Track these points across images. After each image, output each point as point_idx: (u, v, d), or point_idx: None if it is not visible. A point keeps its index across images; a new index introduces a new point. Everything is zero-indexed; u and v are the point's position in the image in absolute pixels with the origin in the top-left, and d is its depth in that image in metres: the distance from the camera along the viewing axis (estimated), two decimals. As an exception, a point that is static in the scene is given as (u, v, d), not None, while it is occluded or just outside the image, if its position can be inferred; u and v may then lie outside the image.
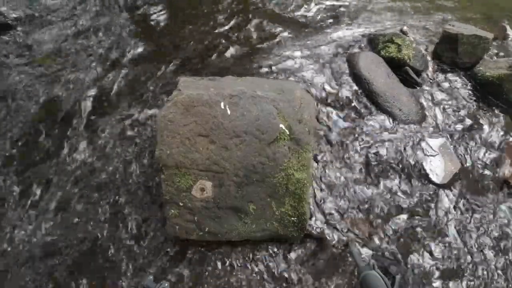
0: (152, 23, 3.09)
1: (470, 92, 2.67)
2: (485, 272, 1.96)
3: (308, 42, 2.90)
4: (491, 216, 2.15)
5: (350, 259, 1.94)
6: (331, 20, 3.07)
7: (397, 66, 2.64)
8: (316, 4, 3.20)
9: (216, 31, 3.00)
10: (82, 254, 2.00)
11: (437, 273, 1.95)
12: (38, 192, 2.21)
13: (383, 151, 2.32)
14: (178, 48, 2.89)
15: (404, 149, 2.34)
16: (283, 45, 2.89)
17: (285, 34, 2.96)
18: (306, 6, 3.19)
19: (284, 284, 1.89)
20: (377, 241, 2.02)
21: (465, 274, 1.95)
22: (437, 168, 2.26)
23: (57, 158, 2.34)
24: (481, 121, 2.52)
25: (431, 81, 2.71)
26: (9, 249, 2.01)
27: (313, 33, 2.97)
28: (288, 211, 1.85)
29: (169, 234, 1.89)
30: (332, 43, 2.88)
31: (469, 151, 2.38)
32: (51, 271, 1.94)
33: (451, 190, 2.22)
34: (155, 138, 1.90)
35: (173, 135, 1.74)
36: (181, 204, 1.80)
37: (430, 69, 2.76)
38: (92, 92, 2.66)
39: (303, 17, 3.10)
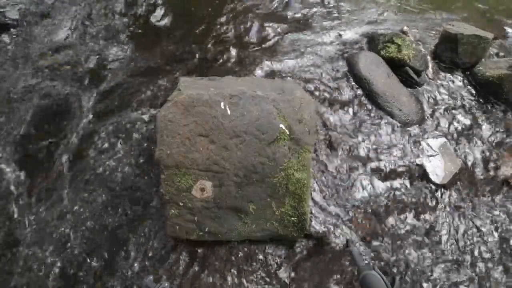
0: (153, 23, 3.09)
1: (470, 92, 2.67)
2: (485, 272, 1.96)
3: (308, 42, 2.90)
4: (491, 216, 2.15)
5: (350, 259, 1.94)
6: (331, 20, 3.07)
7: (397, 66, 2.64)
8: (316, 5, 3.20)
9: (217, 31, 3.00)
10: (81, 254, 2.00)
11: (437, 273, 1.95)
12: (36, 190, 2.22)
13: (383, 151, 2.31)
14: (178, 48, 2.89)
15: (404, 149, 2.34)
16: (284, 45, 2.89)
17: (286, 34, 2.96)
18: (306, 7, 3.18)
19: (284, 284, 1.89)
20: (377, 241, 2.03)
21: (465, 274, 1.95)
22: (437, 168, 2.26)
23: (57, 157, 2.34)
24: (481, 121, 2.52)
25: (431, 81, 2.71)
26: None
27: (313, 33, 2.97)
28: (288, 211, 1.85)
29: (169, 234, 1.89)
30: (332, 43, 2.88)
31: (469, 151, 2.38)
32: (48, 270, 1.95)
33: (451, 190, 2.22)
34: (155, 138, 1.90)
35: (173, 135, 1.74)
36: (181, 204, 1.80)
37: (430, 69, 2.76)
38: (92, 92, 2.66)
39: (304, 18, 3.10)
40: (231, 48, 2.88)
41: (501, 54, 2.92)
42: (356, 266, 1.79)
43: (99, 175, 2.26)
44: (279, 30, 3.00)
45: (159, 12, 3.17)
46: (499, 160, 2.35)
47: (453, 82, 2.72)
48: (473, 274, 1.96)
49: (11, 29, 3.02)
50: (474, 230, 2.10)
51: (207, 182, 1.78)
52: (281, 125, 1.78)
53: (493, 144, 2.42)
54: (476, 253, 2.02)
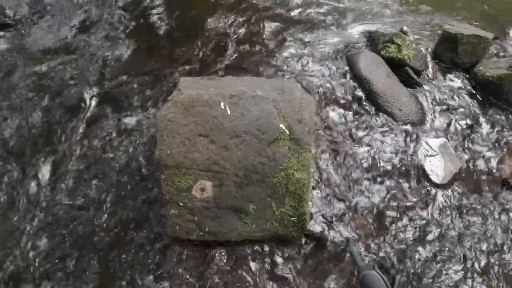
0: (153, 23, 3.09)
1: (470, 92, 2.67)
2: (484, 272, 1.96)
3: (308, 42, 2.90)
4: (491, 216, 2.15)
5: (350, 259, 1.95)
6: (331, 20, 3.07)
7: (397, 66, 2.64)
8: (316, 4, 3.20)
9: (216, 31, 3.00)
10: (81, 254, 2.01)
11: (437, 273, 1.95)
12: (35, 192, 2.22)
13: (383, 151, 2.32)
14: (178, 48, 2.89)
15: (404, 149, 2.34)
16: (283, 45, 2.89)
17: (285, 34, 2.96)
18: (306, 6, 3.18)
19: (284, 284, 1.89)
20: (377, 241, 2.03)
21: (465, 274, 1.95)
22: (437, 168, 2.26)
23: (57, 157, 2.34)
24: (481, 121, 2.52)
25: (431, 81, 2.71)
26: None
27: (313, 33, 2.97)
28: (288, 211, 1.85)
29: (169, 234, 1.89)
30: (332, 43, 2.88)
31: (469, 151, 2.38)
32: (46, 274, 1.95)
33: (451, 190, 2.22)
34: (155, 138, 1.90)
35: (173, 135, 1.75)
36: (181, 204, 1.80)
37: (430, 69, 2.75)
38: (92, 91, 2.66)
39: (303, 17, 3.10)
40: (231, 47, 2.88)
41: (501, 54, 2.92)
42: (356, 266, 1.80)
43: (99, 174, 2.26)
44: (279, 30, 3.00)
45: (159, 12, 3.17)
46: (499, 160, 2.35)
47: (453, 82, 2.72)
48: (473, 274, 1.96)
49: (11, 29, 3.03)
50: (474, 230, 2.10)
51: (207, 182, 1.78)
52: (281, 125, 1.78)
53: (493, 144, 2.42)
54: (476, 253, 2.02)
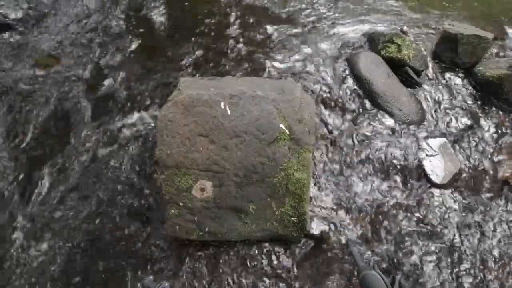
0: (153, 23, 3.09)
1: (470, 92, 2.67)
2: (484, 272, 1.96)
3: (308, 42, 2.90)
4: (491, 216, 2.15)
5: (350, 259, 1.95)
6: (331, 20, 3.07)
7: (397, 66, 2.64)
8: (316, 5, 3.20)
9: (216, 31, 3.00)
10: (81, 255, 2.01)
11: (436, 273, 1.95)
12: (38, 191, 2.22)
13: (383, 151, 2.32)
14: (178, 49, 2.89)
15: (404, 149, 2.34)
16: (283, 45, 2.89)
17: (285, 34, 2.96)
18: (306, 7, 3.18)
19: (284, 284, 1.89)
20: (377, 241, 2.03)
21: (465, 274, 1.95)
22: (437, 168, 2.26)
23: (57, 158, 2.34)
24: (481, 121, 2.51)
25: (431, 81, 2.71)
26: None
27: (313, 33, 2.97)
28: (288, 211, 1.85)
29: (169, 234, 1.89)
30: (332, 43, 2.88)
31: (469, 151, 2.38)
32: (46, 276, 1.95)
33: (451, 190, 2.22)
34: (155, 138, 1.90)
35: (173, 135, 1.75)
36: (181, 204, 1.80)
37: (430, 69, 2.75)
38: (93, 92, 2.66)
39: (303, 18, 3.10)
40: (231, 48, 2.88)
41: (501, 54, 2.92)
42: (356, 266, 1.79)
43: (99, 175, 2.26)
44: (279, 30, 3.00)
45: (159, 12, 3.17)
46: (499, 160, 2.35)
47: (453, 82, 2.72)
48: (473, 274, 1.95)
49: (11, 29, 3.02)
50: (474, 230, 2.10)
51: (207, 182, 1.78)
52: (281, 125, 1.78)
53: (493, 144, 2.42)
54: (476, 253, 2.02)
